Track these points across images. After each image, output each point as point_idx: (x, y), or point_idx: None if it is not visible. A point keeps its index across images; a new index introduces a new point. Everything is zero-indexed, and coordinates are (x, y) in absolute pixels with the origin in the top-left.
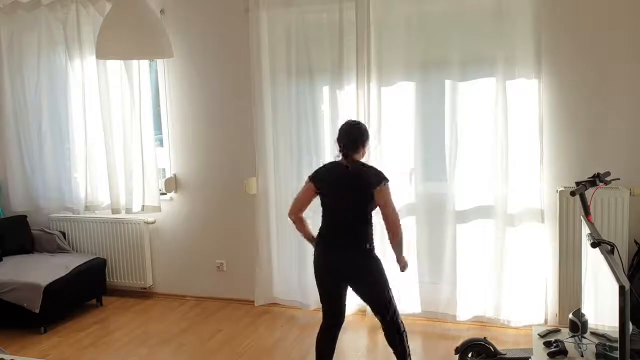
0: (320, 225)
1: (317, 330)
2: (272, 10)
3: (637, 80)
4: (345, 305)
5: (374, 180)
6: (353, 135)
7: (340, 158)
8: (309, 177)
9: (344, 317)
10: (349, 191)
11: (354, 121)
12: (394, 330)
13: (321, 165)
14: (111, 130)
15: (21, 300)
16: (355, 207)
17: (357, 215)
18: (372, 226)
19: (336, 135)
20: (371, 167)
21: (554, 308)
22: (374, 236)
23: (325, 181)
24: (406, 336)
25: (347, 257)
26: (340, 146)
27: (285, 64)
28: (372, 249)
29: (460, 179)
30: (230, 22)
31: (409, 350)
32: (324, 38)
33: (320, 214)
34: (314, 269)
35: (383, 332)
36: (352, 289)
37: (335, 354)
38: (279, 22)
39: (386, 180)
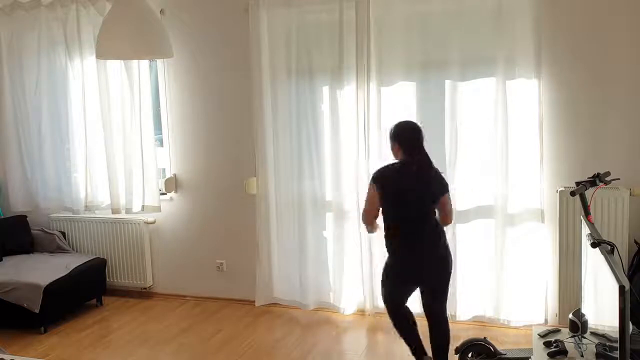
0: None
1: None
2: (272, 10)
3: (637, 80)
4: None
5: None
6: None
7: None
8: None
9: None
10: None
11: (413, 122)
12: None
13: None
14: (111, 130)
15: (21, 300)
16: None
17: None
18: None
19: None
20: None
21: (554, 308)
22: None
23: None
24: None
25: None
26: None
27: (285, 64)
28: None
29: (460, 179)
30: (230, 22)
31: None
32: (324, 38)
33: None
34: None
35: (436, 327)
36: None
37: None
38: (279, 22)
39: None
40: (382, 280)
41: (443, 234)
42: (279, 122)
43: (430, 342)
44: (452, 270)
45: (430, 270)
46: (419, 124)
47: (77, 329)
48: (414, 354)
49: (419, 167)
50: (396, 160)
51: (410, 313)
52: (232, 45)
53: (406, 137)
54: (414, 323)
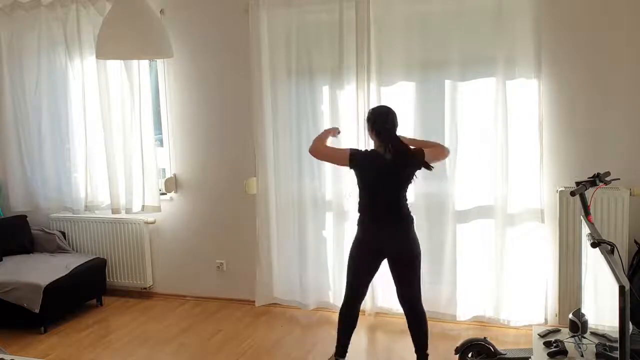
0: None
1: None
2: (272, 10)
3: (637, 80)
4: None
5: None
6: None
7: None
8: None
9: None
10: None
11: (386, 106)
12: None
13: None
14: (111, 130)
15: (21, 300)
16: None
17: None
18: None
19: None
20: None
21: (554, 308)
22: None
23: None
24: None
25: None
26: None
27: (285, 64)
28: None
29: (460, 179)
30: (230, 22)
31: None
32: (324, 38)
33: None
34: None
35: (411, 322)
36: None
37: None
38: (279, 22)
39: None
40: (348, 261)
41: (411, 221)
42: (279, 122)
43: (411, 335)
44: (419, 257)
45: (392, 241)
46: (389, 107)
47: (77, 329)
48: (336, 349)
49: (393, 155)
50: (372, 148)
51: (356, 318)
52: (232, 45)
53: (380, 124)
54: (353, 327)
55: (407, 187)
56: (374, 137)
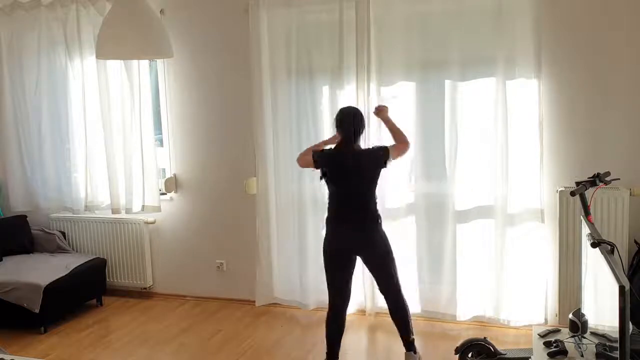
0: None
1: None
2: (272, 10)
3: (637, 80)
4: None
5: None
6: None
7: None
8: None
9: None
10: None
11: (354, 107)
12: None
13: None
14: (111, 130)
15: (21, 300)
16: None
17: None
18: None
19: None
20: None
21: (554, 308)
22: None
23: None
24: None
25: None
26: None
27: (285, 64)
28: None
29: (460, 179)
30: (230, 22)
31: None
32: (324, 38)
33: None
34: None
35: (392, 312)
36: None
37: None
38: (279, 22)
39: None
40: (323, 263)
41: (377, 219)
42: (279, 122)
43: (394, 324)
44: (390, 252)
45: (358, 239)
46: (358, 108)
47: (77, 329)
48: (327, 355)
49: (354, 157)
50: (337, 147)
51: (343, 323)
52: (232, 45)
53: (346, 125)
54: (341, 333)
55: (374, 187)
56: (339, 136)
